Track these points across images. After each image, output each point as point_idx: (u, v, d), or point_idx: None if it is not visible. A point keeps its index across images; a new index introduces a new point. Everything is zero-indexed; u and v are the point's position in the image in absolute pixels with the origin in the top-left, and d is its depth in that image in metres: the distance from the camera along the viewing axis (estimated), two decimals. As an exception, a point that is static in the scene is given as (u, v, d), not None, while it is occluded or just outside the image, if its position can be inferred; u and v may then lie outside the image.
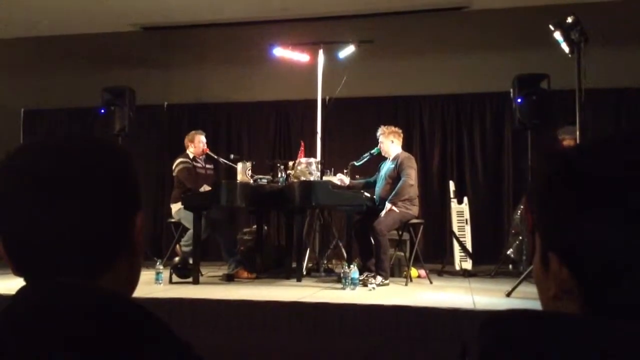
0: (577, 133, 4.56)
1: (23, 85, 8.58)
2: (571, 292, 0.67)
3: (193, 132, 6.31)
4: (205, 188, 5.79)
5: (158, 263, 5.09)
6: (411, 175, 5.44)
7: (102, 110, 6.92)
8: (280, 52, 6.91)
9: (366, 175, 6.04)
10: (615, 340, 0.60)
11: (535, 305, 0.76)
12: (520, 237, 6.09)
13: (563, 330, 0.62)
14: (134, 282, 0.90)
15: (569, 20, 4.49)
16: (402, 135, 5.81)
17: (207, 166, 6.31)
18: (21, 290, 0.79)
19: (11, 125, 8.38)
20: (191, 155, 6.15)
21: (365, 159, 5.95)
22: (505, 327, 0.67)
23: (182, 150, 6.27)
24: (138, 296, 0.89)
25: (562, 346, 0.61)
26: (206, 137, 6.37)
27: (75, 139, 0.86)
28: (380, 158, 5.87)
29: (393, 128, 5.78)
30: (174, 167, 6.10)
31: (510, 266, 6.23)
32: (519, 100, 6.01)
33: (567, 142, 5.52)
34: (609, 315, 0.63)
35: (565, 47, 4.57)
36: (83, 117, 8.10)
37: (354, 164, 6.01)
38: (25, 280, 0.82)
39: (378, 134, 5.76)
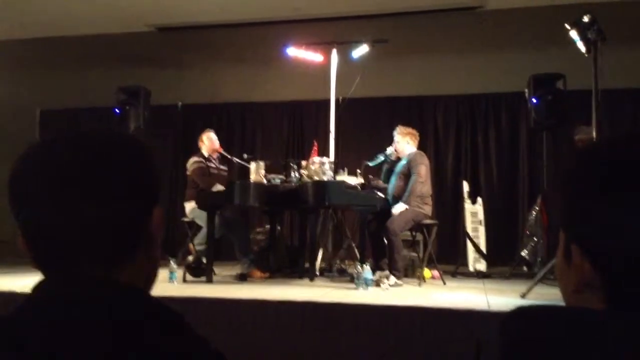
0: (594, 133, 4.52)
1: (39, 86, 8.67)
2: (593, 285, 0.67)
3: (205, 131, 6.34)
4: (218, 187, 5.80)
5: (172, 262, 5.11)
6: (421, 172, 5.41)
7: (117, 110, 6.96)
8: (294, 52, 6.92)
9: (379, 176, 6.02)
10: (637, 335, 0.59)
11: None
12: (535, 239, 6.04)
13: (585, 324, 0.62)
14: (152, 277, 0.90)
15: (585, 19, 4.45)
16: (418, 137, 5.79)
17: (221, 166, 6.32)
18: (39, 284, 0.80)
19: (28, 125, 8.47)
20: (206, 155, 6.17)
21: (379, 161, 5.93)
22: (527, 322, 0.66)
23: (196, 150, 6.29)
24: (153, 294, 0.89)
25: (585, 341, 0.61)
26: (220, 137, 6.39)
27: (93, 132, 0.86)
28: (395, 162, 5.83)
29: (410, 129, 5.76)
30: (188, 165, 6.12)
31: (525, 267, 6.18)
32: (535, 100, 5.97)
33: (583, 142, 5.47)
34: (631, 309, 0.63)
35: (581, 47, 4.53)
36: (98, 116, 8.17)
37: (367, 164, 5.99)
38: (44, 272, 0.82)
39: (395, 132, 5.74)
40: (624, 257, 0.64)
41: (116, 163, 0.83)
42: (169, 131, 8.39)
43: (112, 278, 0.80)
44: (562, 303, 0.73)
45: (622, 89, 6.66)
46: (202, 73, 8.48)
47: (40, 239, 0.81)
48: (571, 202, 0.70)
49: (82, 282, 0.78)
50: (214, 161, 6.23)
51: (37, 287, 0.79)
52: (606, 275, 0.66)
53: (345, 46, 6.65)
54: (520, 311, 0.68)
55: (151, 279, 0.90)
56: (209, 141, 6.21)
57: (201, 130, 6.49)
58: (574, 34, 4.54)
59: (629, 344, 0.59)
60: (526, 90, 6.11)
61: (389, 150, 5.82)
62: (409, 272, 5.81)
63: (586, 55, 4.48)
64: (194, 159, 6.12)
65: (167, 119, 8.32)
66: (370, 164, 5.99)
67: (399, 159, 5.76)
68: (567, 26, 4.56)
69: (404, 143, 5.68)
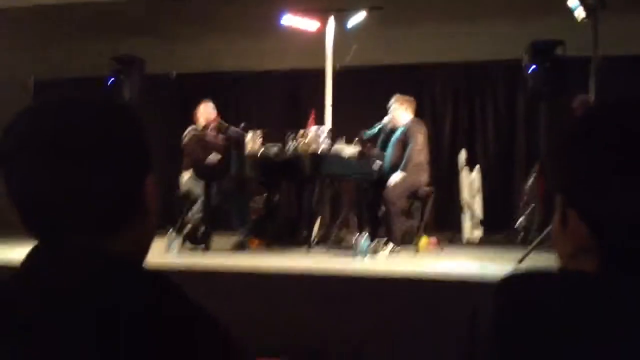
0: (593, 101, 4.50)
1: (32, 56, 8.56)
2: (588, 250, 0.67)
3: (201, 102, 6.30)
4: (212, 159, 5.78)
5: (170, 231, 5.12)
6: (419, 141, 5.40)
7: (111, 80, 6.90)
8: (290, 20, 6.83)
9: (375, 144, 6.00)
10: (632, 296, 0.60)
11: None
12: (532, 206, 6.06)
13: (579, 287, 0.62)
14: (146, 245, 0.89)
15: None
16: (414, 105, 5.76)
17: (220, 135, 6.29)
18: (32, 252, 0.79)
19: (21, 95, 8.40)
20: (200, 126, 6.14)
21: (377, 129, 5.90)
22: (520, 286, 0.67)
23: (191, 121, 6.26)
24: (150, 264, 0.89)
25: (579, 302, 0.61)
26: (216, 107, 6.34)
27: (82, 99, 0.85)
28: (393, 131, 5.80)
29: (407, 97, 5.72)
30: (183, 135, 6.11)
31: (521, 235, 6.21)
32: (533, 67, 5.92)
33: (581, 111, 5.44)
34: (624, 272, 0.63)
35: (580, 14, 4.47)
36: (93, 86, 8.09)
37: (364, 133, 5.97)
38: (37, 239, 0.82)
39: (391, 102, 5.70)
40: (621, 221, 0.64)
41: (106, 130, 0.82)
42: (163, 101, 8.32)
43: (105, 247, 0.80)
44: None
45: (621, 56, 6.60)
46: (197, 42, 8.37)
47: (31, 208, 0.80)
48: (569, 167, 0.70)
49: (74, 251, 0.78)
50: (210, 131, 6.19)
51: (30, 255, 0.79)
52: (602, 239, 0.66)
53: (341, 14, 6.57)
54: (513, 276, 0.68)
55: (146, 247, 0.89)
56: (205, 111, 6.17)
57: (197, 100, 6.44)
58: (573, 1, 4.48)
59: (621, 306, 0.60)
60: (524, 58, 6.05)
61: (386, 119, 5.79)
62: (406, 240, 5.83)
63: (580, 21, 4.41)
64: (189, 128, 6.10)
65: (162, 88, 8.25)
66: (367, 133, 5.96)
67: (395, 128, 5.73)
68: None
69: (402, 111, 5.65)
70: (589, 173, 0.67)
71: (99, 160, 0.80)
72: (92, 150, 0.80)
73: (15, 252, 4.04)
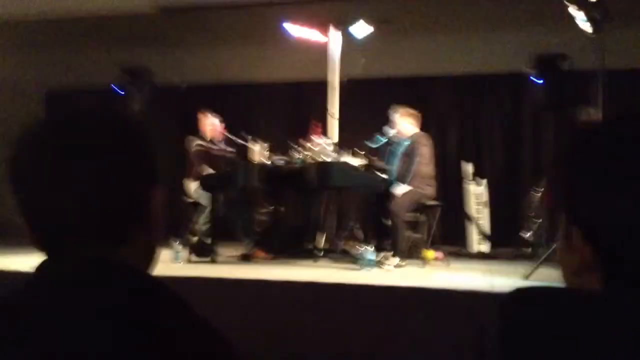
0: (599, 115, 4.49)
1: (45, 67, 8.64)
2: (593, 268, 0.67)
3: (203, 116, 6.30)
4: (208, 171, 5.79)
5: (177, 242, 5.13)
6: (424, 154, 5.41)
7: (120, 90, 6.95)
8: (297, 32, 6.87)
9: (380, 156, 6.01)
10: (638, 315, 0.59)
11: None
12: (539, 220, 6.04)
13: (584, 305, 0.62)
14: (151, 257, 0.90)
15: (592, -2, 4.40)
16: (419, 118, 5.76)
17: (228, 148, 6.30)
18: (41, 265, 0.80)
19: (33, 106, 8.47)
20: (207, 138, 6.17)
21: (381, 142, 5.90)
22: (526, 303, 0.67)
23: (197, 132, 6.29)
24: (157, 274, 0.90)
25: (584, 321, 0.61)
26: (222, 117, 6.37)
27: (91, 113, 0.87)
28: (396, 144, 5.80)
29: (411, 110, 5.73)
30: (190, 146, 6.12)
31: (529, 249, 6.18)
32: (538, 80, 5.92)
33: (587, 124, 5.43)
34: (629, 291, 0.63)
35: (586, 26, 4.47)
36: (103, 96, 8.15)
37: (368, 144, 5.97)
38: (45, 252, 0.83)
39: (393, 114, 5.69)
40: (625, 240, 0.64)
41: (115, 144, 0.84)
42: (171, 111, 8.37)
43: (113, 258, 0.81)
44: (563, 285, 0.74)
45: (627, 70, 6.59)
46: (204, 54, 8.43)
47: (40, 220, 0.81)
48: (572, 184, 0.69)
49: (83, 263, 0.79)
50: (217, 143, 6.21)
51: (39, 268, 0.80)
52: (606, 257, 0.66)
53: (347, 27, 6.60)
54: (518, 292, 0.68)
55: (151, 258, 0.90)
56: (212, 127, 6.19)
57: (201, 112, 6.45)
58: (579, 14, 4.48)
59: (627, 325, 0.59)
60: (530, 70, 6.05)
61: (391, 131, 5.79)
62: (412, 253, 5.82)
63: (592, 35, 4.43)
64: (196, 141, 6.11)
65: (170, 99, 8.30)
66: (371, 145, 5.96)
67: (399, 139, 5.73)
68: (573, 6, 4.50)
69: (406, 124, 5.65)
70: (591, 191, 0.66)
71: (107, 174, 0.81)
72: (100, 164, 0.81)
73: (25, 261, 4.07)
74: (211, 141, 6.16)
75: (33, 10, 7.99)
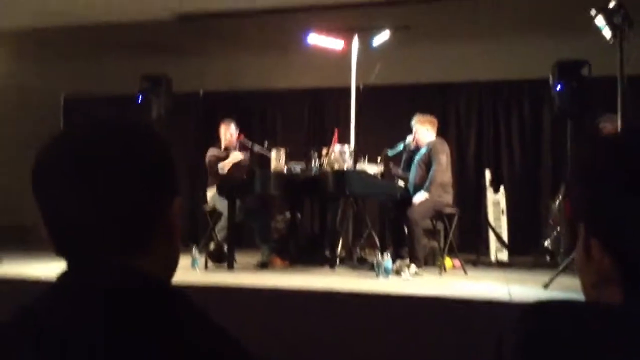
0: (619, 121, 4.44)
1: (63, 73, 8.76)
2: (612, 280, 0.66)
3: (222, 122, 6.37)
4: (236, 158, 5.81)
5: (194, 249, 5.16)
6: (442, 161, 5.38)
7: (140, 98, 7.03)
8: (315, 39, 6.89)
9: (399, 164, 6.00)
10: None
11: (574, 297, 0.74)
12: (558, 228, 5.97)
13: (603, 320, 0.61)
14: (172, 267, 0.91)
15: (612, 4, 4.36)
16: (436, 124, 5.75)
17: (242, 153, 6.34)
18: (63, 274, 0.81)
19: (52, 112, 8.59)
20: (223, 146, 6.21)
21: (399, 150, 5.90)
22: (545, 317, 0.66)
23: (215, 140, 6.33)
24: (175, 281, 0.91)
25: (602, 336, 0.60)
26: (240, 125, 6.41)
27: (114, 123, 0.88)
28: (415, 150, 5.79)
29: (428, 117, 5.72)
30: (207, 155, 6.18)
31: (548, 257, 6.11)
32: (559, 87, 5.87)
33: (608, 130, 5.37)
34: None
35: (607, 33, 4.43)
36: (121, 104, 8.24)
37: (387, 152, 5.97)
38: (66, 260, 0.84)
39: (413, 121, 5.71)
40: None
41: (136, 154, 0.85)
42: (190, 119, 8.44)
43: (132, 266, 0.82)
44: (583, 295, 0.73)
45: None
46: (223, 61, 8.49)
47: (62, 229, 0.83)
48: (592, 196, 0.69)
49: (104, 271, 0.80)
50: (233, 151, 6.24)
51: (61, 277, 0.81)
52: (626, 270, 0.65)
53: (366, 33, 6.60)
54: (538, 306, 0.67)
55: (172, 268, 0.91)
56: (227, 133, 6.23)
57: (220, 119, 6.51)
58: (599, 20, 4.44)
59: None
60: (550, 77, 6.01)
61: (408, 139, 5.79)
62: (429, 261, 5.79)
63: (611, 41, 4.38)
64: (210, 150, 6.17)
65: (189, 106, 8.37)
66: (390, 152, 5.96)
67: (418, 147, 5.72)
68: (593, 12, 4.46)
69: (424, 131, 5.64)
70: (611, 202, 0.66)
71: (127, 184, 0.82)
72: (121, 174, 0.82)
73: (47, 269, 4.12)
74: (226, 149, 6.20)
75: (53, 17, 8.13)
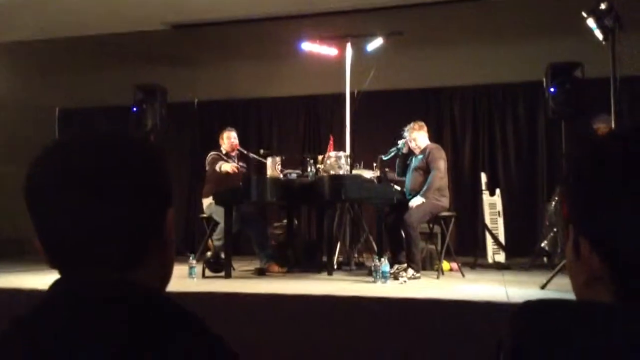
0: (613, 122, 4.46)
1: (57, 85, 8.77)
2: (602, 279, 0.67)
3: (225, 129, 6.42)
4: (225, 168, 5.85)
5: (191, 258, 5.16)
6: (441, 167, 5.40)
7: (135, 109, 7.03)
8: (309, 46, 6.90)
9: (392, 168, 6.01)
10: None
11: (570, 297, 0.75)
12: (555, 229, 5.99)
13: (593, 318, 0.62)
14: (166, 277, 0.91)
15: (603, 6, 4.39)
16: (426, 129, 5.75)
17: (240, 164, 6.36)
18: (55, 284, 0.81)
19: (47, 124, 8.59)
20: (224, 151, 6.24)
21: (393, 154, 5.91)
22: (536, 316, 0.66)
23: (215, 147, 6.36)
24: (172, 290, 0.91)
25: (593, 334, 0.61)
26: (237, 133, 6.43)
27: (107, 135, 0.88)
28: (408, 155, 5.80)
29: (419, 122, 5.73)
30: (207, 160, 6.19)
31: (545, 259, 6.13)
32: (553, 89, 5.90)
33: (602, 131, 5.40)
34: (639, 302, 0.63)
35: (598, 35, 4.46)
36: (116, 115, 8.24)
37: (382, 157, 5.98)
38: (60, 272, 0.84)
39: (407, 132, 5.68)
40: (633, 252, 0.63)
41: (129, 166, 0.84)
42: (185, 129, 8.45)
43: (127, 278, 0.82)
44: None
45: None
46: (217, 70, 8.51)
47: (55, 241, 0.82)
48: (580, 197, 0.69)
49: (97, 282, 0.80)
50: (232, 159, 6.27)
51: (53, 287, 0.81)
52: (615, 269, 0.66)
53: (359, 39, 6.62)
54: (528, 305, 0.68)
55: (166, 279, 0.91)
56: (228, 140, 6.26)
57: (220, 128, 6.53)
58: (590, 22, 4.47)
59: (637, 337, 0.59)
60: (544, 79, 6.04)
61: (400, 143, 5.80)
62: (427, 264, 5.79)
63: (603, 42, 4.41)
64: (211, 152, 6.20)
65: (184, 116, 8.38)
66: (385, 157, 5.97)
67: (410, 151, 5.72)
68: (584, 14, 4.49)
69: (421, 137, 5.65)
70: (598, 203, 0.66)
71: (121, 196, 0.82)
72: (114, 187, 0.82)
73: (41, 280, 4.11)
74: (227, 154, 6.23)
75: (47, 30, 8.13)
